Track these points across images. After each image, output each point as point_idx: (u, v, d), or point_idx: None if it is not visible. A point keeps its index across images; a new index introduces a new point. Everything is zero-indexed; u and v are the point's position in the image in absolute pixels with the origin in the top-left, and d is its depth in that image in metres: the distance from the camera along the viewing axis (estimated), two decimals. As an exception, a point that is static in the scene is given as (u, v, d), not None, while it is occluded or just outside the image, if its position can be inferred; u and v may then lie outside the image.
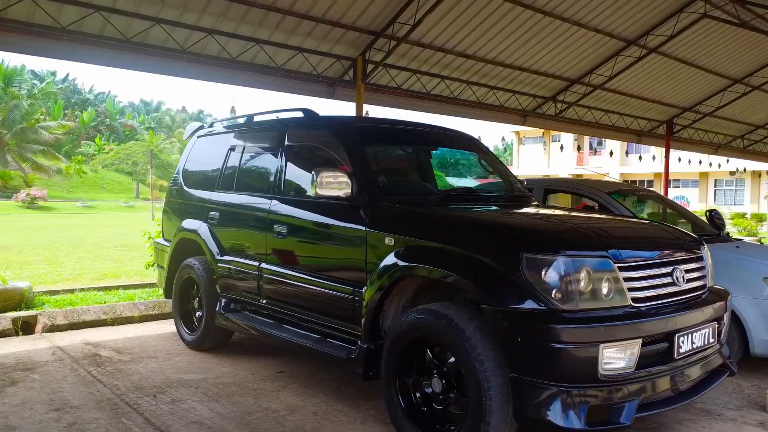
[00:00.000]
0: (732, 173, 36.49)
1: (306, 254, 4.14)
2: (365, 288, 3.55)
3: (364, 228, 3.63)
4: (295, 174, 4.45)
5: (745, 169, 29.40)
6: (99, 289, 7.58)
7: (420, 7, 7.38)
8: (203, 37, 6.85)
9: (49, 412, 3.78)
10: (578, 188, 5.77)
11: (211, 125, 5.87)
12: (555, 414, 2.70)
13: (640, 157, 25.67)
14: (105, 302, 6.66)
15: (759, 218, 29.86)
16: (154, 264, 7.53)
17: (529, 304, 2.79)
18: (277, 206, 4.41)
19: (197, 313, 5.39)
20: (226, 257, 4.86)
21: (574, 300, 2.77)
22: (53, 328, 5.88)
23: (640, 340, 2.82)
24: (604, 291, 2.85)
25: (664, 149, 14.56)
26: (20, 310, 6.11)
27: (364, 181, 3.76)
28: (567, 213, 4.00)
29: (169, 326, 6.20)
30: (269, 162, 4.68)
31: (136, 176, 51.26)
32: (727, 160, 21.51)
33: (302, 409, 3.91)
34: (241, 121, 5.44)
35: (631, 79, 11.60)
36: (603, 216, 4.36)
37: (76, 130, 56.35)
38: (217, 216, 5.05)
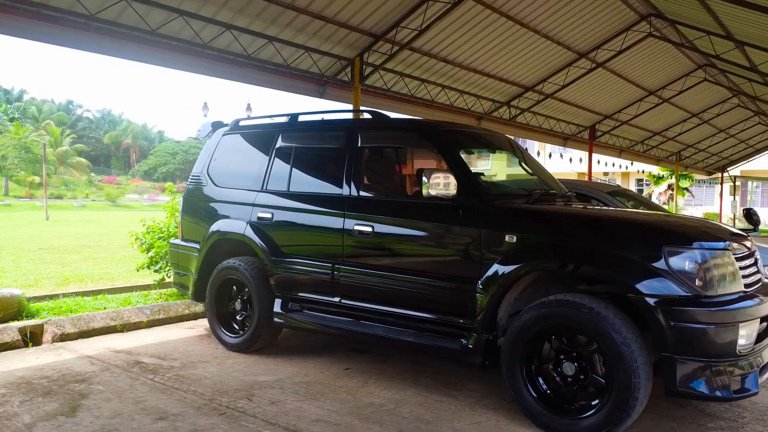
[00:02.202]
0: (605, 174, 40.20)
1: (401, 253, 4.28)
2: (481, 282, 3.77)
3: (476, 226, 3.86)
4: (376, 174, 4.58)
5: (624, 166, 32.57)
6: (78, 293, 7.08)
7: (427, 11, 7.64)
8: (221, 32, 6.61)
9: (156, 422, 3.63)
10: (583, 189, 6.34)
11: (236, 123, 5.75)
12: (704, 386, 3.14)
13: (550, 155, 27.66)
14: (105, 308, 6.26)
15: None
16: (145, 266, 7.17)
17: (676, 291, 3.19)
18: (355, 206, 4.48)
19: (239, 315, 5.29)
20: (287, 257, 4.84)
21: (713, 286, 3.22)
22: (63, 337, 5.47)
23: (759, 319, 3.33)
24: (729, 278, 3.33)
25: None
26: (20, 320, 5.62)
27: (468, 181, 3.98)
28: (649, 211, 4.50)
29: (184, 330, 6.00)
30: (337, 162, 4.72)
31: (5, 172, 46.55)
32: (631, 163, 23.88)
33: (406, 402, 4.06)
34: (282, 120, 5.40)
35: (571, 88, 12.61)
36: (684, 215, 4.93)
37: (-75, 119, 49.96)
38: (271, 216, 5.00)
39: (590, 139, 15.17)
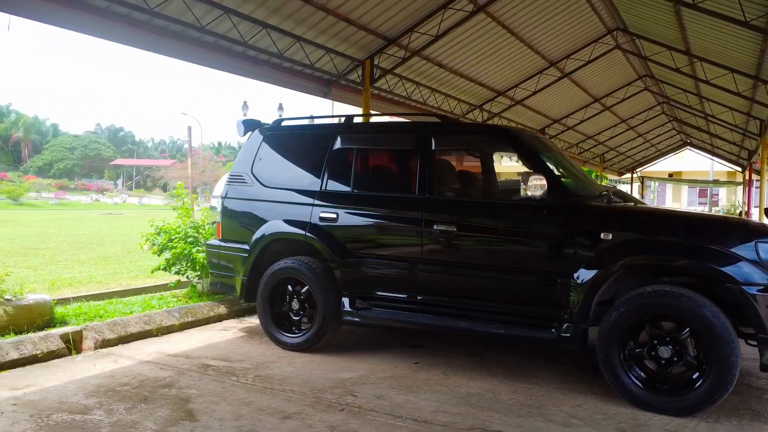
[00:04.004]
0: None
1: (488, 251, 4.52)
2: (577, 276, 4.10)
3: (568, 225, 4.19)
4: (453, 176, 4.78)
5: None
6: (84, 298, 6.73)
7: (443, 16, 7.90)
8: (259, 31, 6.50)
9: (285, 421, 3.67)
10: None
11: (279, 123, 5.75)
12: (794, 362, 3.64)
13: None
14: (132, 312, 6.02)
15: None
16: (161, 268, 6.92)
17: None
18: (435, 207, 4.67)
19: (296, 315, 5.30)
20: (356, 257, 4.93)
21: None
22: (105, 343, 5.25)
23: None
24: None
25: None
26: (55, 326, 5.33)
27: (555, 183, 4.31)
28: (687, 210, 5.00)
29: (220, 332, 5.90)
30: (409, 165, 4.90)
31: None
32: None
33: (499, 390, 4.31)
34: (333, 121, 5.48)
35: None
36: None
37: None
38: (335, 217, 5.06)
39: (540, 142, 16.04)
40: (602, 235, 4.09)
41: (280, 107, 10.31)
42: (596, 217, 4.20)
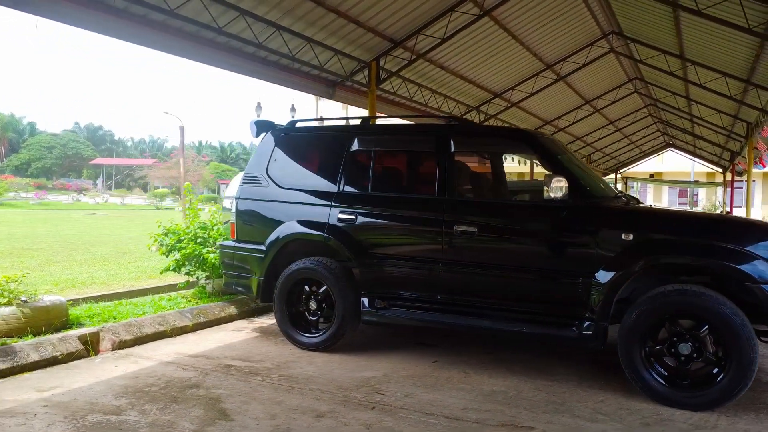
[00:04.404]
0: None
1: (510, 251, 4.61)
2: (599, 276, 4.20)
3: (590, 225, 4.29)
4: (473, 178, 4.86)
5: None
6: (93, 299, 6.69)
7: (450, 19, 7.98)
8: (272, 32, 6.50)
9: (319, 420, 3.72)
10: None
11: (293, 124, 5.79)
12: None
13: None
14: (144, 313, 6.01)
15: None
16: (171, 268, 6.90)
17: None
18: (455, 208, 4.74)
19: (313, 315, 5.34)
20: (375, 258, 4.98)
21: None
22: (122, 345, 5.25)
23: None
24: None
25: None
26: (71, 328, 5.31)
27: (577, 184, 4.41)
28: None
29: (233, 333, 5.92)
30: (428, 166, 4.96)
31: None
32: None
33: (522, 388, 4.40)
34: (351, 123, 5.53)
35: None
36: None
37: None
38: (354, 218, 5.11)
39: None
40: (623, 236, 4.20)
41: (293, 108, 10.33)
42: (617, 218, 4.31)
